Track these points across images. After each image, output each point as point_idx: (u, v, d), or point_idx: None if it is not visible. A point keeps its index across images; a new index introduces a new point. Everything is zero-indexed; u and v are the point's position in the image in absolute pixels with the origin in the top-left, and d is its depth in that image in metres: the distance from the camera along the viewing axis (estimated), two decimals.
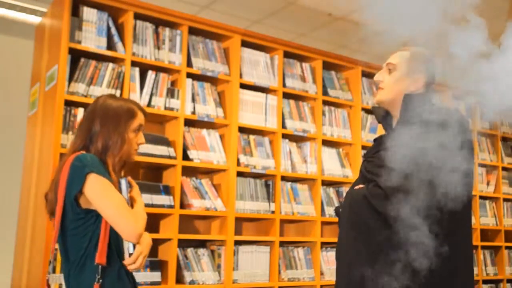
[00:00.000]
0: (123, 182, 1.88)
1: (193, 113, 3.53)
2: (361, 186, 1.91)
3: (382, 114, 2.03)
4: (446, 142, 1.83)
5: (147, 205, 3.24)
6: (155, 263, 3.25)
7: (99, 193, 1.75)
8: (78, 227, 1.78)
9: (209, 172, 3.71)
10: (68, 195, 1.77)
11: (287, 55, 4.04)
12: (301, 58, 4.14)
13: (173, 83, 3.55)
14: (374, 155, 1.98)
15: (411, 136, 1.88)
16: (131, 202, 1.92)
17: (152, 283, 3.20)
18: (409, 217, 1.73)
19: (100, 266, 1.75)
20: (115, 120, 1.90)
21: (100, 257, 1.75)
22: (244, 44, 3.81)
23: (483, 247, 4.98)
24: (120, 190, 1.85)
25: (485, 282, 4.95)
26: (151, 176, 3.51)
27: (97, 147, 1.86)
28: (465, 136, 1.85)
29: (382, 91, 1.96)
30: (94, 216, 1.78)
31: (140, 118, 1.96)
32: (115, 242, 1.83)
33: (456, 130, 1.84)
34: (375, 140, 2.11)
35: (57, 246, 1.86)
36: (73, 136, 2.14)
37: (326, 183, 4.17)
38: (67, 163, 1.80)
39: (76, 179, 1.76)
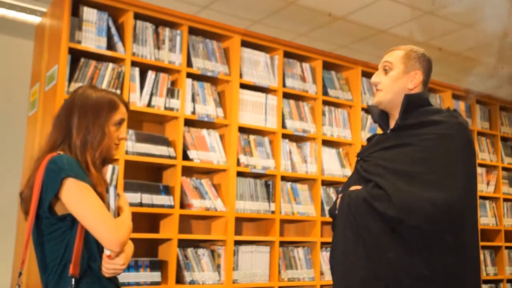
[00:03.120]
0: (111, 190, 1.77)
1: (193, 113, 3.53)
2: (358, 187, 1.88)
3: (378, 113, 2.02)
4: (447, 143, 1.82)
5: (147, 205, 3.25)
6: (155, 263, 3.25)
7: (77, 199, 1.64)
8: (53, 231, 1.68)
9: (209, 172, 3.71)
10: (42, 200, 1.66)
11: (287, 55, 4.04)
12: (301, 58, 4.14)
13: (173, 83, 3.55)
14: (371, 154, 1.96)
15: (413, 138, 1.87)
16: (118, 211, 1.78)
17: (152, 283, 3.20)
18: (413, 218, 1.72)
19: (73, 279, 1.64)
20: (95, 112, 1.77)
21: (74, 268, 1.64)
22: (244, 44, 3.81)
23: (483, 247, 4.97)
24: (106, 195, 1.74)
25: (485, 282, 4.95)
26: (151, 176, 3.51)
27: (75, 141, 1.74)
28: (465, 136, 1.85)
29: (381, 92, 1.95)
30: (70, 221, 1.68)
31: (122, 111, 1.83)
32: (99, 245, 1.71)
33: (456, 131, 1.84)
34: (369, 139, 2.10)
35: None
36: None
37: (326, 183, 4.17)
38: (43, 163, 1.69)
39: (51, 184, 1.65)
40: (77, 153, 1.74)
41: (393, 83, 1.92)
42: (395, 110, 1.94)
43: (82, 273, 1.67)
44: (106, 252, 1.69)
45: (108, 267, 1.70)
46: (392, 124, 1.97)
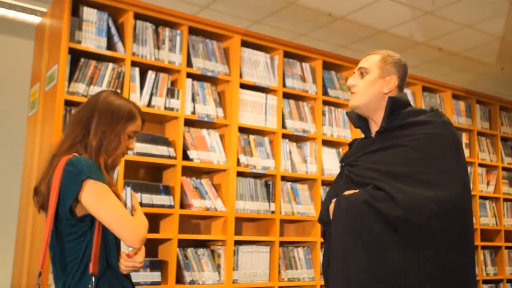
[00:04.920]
0: (128, 190, 1.81)
1: (193, 113, 3.53)
2: (353, 191, 1.86)
3: (356, 118, 2.01)
4: (438, 143, 1.83)
5: (147, 205, 3.25)
6: (155, 263, 3.25)
7: (97, 200, 1.68)
8: (73, 232, 1.71)
9: (209, 172, 3.71)
10: (62, 202, 1.70)
11: (287, 55, 4.04)
12: (301, 58, 4.14)
13: (173, 83, 3.55)
14: (358, 159, 1.95)
15: (401, 139, 1.88)
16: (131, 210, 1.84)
17: (152, 283, 3.20)
18: (420, 217, 1.72)
19: (93, 277, 1.68)
20: (115, 119, 1.83)
21: (94, 267, 1.69)
22: (244, 44, 3.81)
23: (483, 247, 4.98)
24: (125, 196, 1.79)
25: (485, 282, 4.95)
26: (151, 176, 3.52)
27: (91, 142, 1.78)
28: (454, 135, 1.87)
29: (356, 96, 1.95)
30: (90, 221, 1.72)
31: (137, 124, 1.90)
32: (117, 244, 1.77)
33: (444, 130, 1.86)
34: (350, 144, 2.11)
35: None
36: None
37: (326, 183, 4.16)
38: (61, 163, 1.72)
39: (71, 186, 1.68)
40: (92, 154, 1.78)
41: (368, 87, 1.94)
42: (373, 114, 1.95)
43: (102, 271, 1.71)
44: (125, 251, 1.75)
45: (127, 265, 1.76)
46: (372, 128, 1.97)
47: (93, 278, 1.69)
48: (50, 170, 1.76)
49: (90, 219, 1.72)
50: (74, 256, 1.71)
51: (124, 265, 1.76)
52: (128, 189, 1.80)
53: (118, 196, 1.76)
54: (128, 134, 1.87)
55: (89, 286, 1.68)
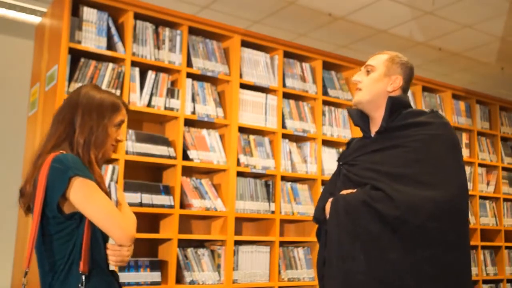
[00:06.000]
0: (112, 186, 1.79)
1: (193, 113, 3.53)
2: (351, 190, 1.86)
3: (358, 116, 2.02)
4: (437, 144, 1.84)
5: (147, 205, 3.25)
6: (155, 263, 3.25)
7: (85, 197, 1.65)
8: (61, 230, 1.69)
9: (209, 172, 3.71)
10: (49, 200, 1.67)
11: (287, 55, 4.04)
12: (301, 58, 4.14)
13: (173, 83, 3.55)
14: (356, 158, 1.95)
15: (401, 139, 1.89)
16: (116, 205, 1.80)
17: (152, 283, 3.20)
18: (418, 218, 1.72)
19: (83, 276, 1.66)
20: (99, 113, 1.80)
21: (83, 266, 1.66)
22: (244, 44, 3.81)
23: (483, 247, 4.98)
24: (109, 191, 1.77)
25: (485, 282, 4.95)
26: (151, 176, 3.51)
27: (78, 139, 1.75)
28: (453, 136, 1.89)
29: (360, 92, 1.97)
30: (78, 219, 1.69)
31: (123, 114, 1.87)
32: (105, 241, 1.74)
33: (444, 131, 1.87)
34: (348, 144, 2.11)
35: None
36: None
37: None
38: (47, 161, 1.69)
39: (58, 183, 1.65)
40: (79, 151, 1.76)
41: (373, 84, 1.95)
42: (374, 112, 1.96)
43: (90, 270, 1.69)
44: (113, 242, 1.72)
45: (113, 254, 1.72)
46: (372, 127, 1.98)
47: (83, 277, 1.66)
48: (35, 169, 1.73)
49: (78, 217, 1.69)
50: (61, 255, 1.68)
51: (111, 254, 1.72)
52: (112, 183, 1.79)
53: (106, 193, 1.74)
54: (114, 126, 1.84)
55: (79, 285, 1.65)
